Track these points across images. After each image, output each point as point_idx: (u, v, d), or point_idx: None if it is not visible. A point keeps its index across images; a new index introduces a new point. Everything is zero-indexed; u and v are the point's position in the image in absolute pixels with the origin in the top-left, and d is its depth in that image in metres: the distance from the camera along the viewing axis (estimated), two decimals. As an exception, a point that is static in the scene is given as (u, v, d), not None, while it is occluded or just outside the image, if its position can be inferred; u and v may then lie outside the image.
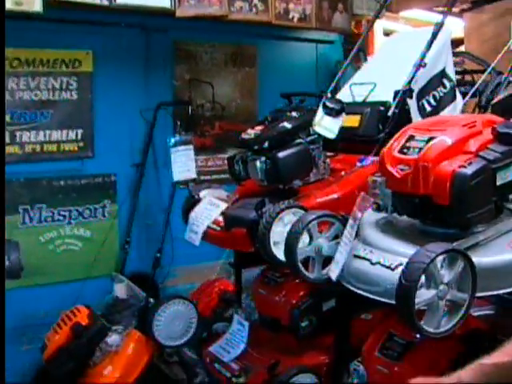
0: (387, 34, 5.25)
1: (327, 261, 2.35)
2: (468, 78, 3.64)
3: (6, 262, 3.95)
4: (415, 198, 2.05)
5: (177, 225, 4.11)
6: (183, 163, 4.02)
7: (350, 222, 2.21)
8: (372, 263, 2.06)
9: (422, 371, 2.13)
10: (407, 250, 2.02)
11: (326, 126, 2.85)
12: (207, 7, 3.89)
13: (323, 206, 2.62)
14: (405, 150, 2.10)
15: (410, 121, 3.08)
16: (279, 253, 2.50)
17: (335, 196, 2.74)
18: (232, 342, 3.02)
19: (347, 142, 3.03)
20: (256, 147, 2.79)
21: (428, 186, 1.99)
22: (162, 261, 4.18)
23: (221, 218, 2.79)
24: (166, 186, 4.51)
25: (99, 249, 4.33)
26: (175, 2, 3.77)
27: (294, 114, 2.89)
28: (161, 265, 4.10)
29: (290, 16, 4.29)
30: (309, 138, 2.84)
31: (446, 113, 3.27)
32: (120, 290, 4.16)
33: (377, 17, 3.83)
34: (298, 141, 2.82)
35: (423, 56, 3.06)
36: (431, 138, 2.06)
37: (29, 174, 4.09)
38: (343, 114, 2.91)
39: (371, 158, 2.94)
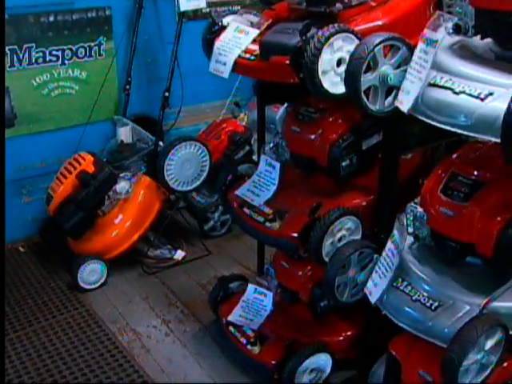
0: None
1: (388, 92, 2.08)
2: None
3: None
4: (510, 16, 1.74)
5: (184, 61, 3.79)
6: (191, -10, 3.59)
7: (422, 45, 1.92)
8: (455, 92, 1.79)
9: (491, 213, 1.97)
10: (497, 78, 1.76)
11: None
12: None
13: (366, 32, 2.30)
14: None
15: None
16: (327, 83, 2.22)
17: (380, 23, 2.41)
18: (261, 185, 2.79)
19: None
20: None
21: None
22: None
23: (253, 46, 2.45)
24: (167, 18, 4.13)
25: (97, 91, 3.99)
26: None
27: None
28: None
29: None
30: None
31: None
32: (124, 133, 3.88)
33: None
34: (341, -44, 2.43)
35: None
36: None
37: (13, 8, 3.62)
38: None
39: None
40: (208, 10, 4.10)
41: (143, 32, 4.05)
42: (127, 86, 4.02)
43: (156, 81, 4.13)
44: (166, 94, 3.73)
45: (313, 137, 2.60)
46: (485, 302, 1.94)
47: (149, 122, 4.02)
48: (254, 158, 3.75)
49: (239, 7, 4.42)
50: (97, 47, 4.04)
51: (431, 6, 2.54)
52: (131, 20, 4.03)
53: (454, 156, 2.22)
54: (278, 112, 3.47)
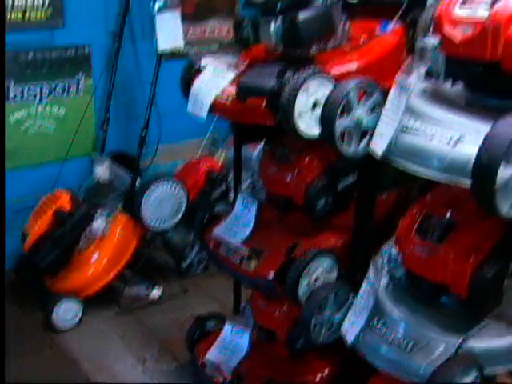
0: None
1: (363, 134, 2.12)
2: None
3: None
4: (478, 64, 1.79)
5: (161, 99, 3.82)
6: (169, 30, 3.64)
7: (396, 90, 1.96)
8: (427, 137, 1.83)
9: (465, 254, 2.00)
10: (468, 123, 1.80)
11: (348, -15, 2.53)
12: None
13: (341, 76, 2.36)
14: (465, 10, 1.83)
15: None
16: (303, 126, 2.25)
17: (354, 66, 2.46)
18: (237, 224, 2.80)
19: (364, 5, 2.72)
20: (271, 7, 2.46)
21: (497, 50, 1.73)
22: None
23: (231, 88, 2.49)
24: (146, 57, 4.17)
25: (75, 128, 4.00)
26: None
27: (310, -29, 2.54)
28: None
29: None
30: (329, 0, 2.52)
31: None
32: (102, 171, 3.88)
33: None
34: (318, 1, 2.49)
35: None
36: (497, -3, 1.78)
37: (-8, 46, 3.65)
38: (364, -28, 2.58)
39: (393, 24, 2.66)
40: (186, 49, 4.14)
41: (122, 70, 4.07)
42: (105, 124, 4.03)
43: (134, 118, 4.15)
44: (144, 132, 3.74)
45: (289, 177, 2.63)
46: (459, 341, 1.96)
47: (126, 160, 4.02)
48: (231, 195, 3.77)
49: (217, 46, 4.49)
50: (75, 84, 4.06)
51: (404, 50, 2.62)
52: (110, 58, 4.06)
53: (428, 197, 2.25)
54: (255, 150, 3.50)
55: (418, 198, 2.39)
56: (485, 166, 1.61)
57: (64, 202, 3.62)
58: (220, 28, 4.49)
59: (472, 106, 1.95)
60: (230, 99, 2.45)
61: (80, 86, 4.07)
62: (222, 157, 4.31)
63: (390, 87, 2.10)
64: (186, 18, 4.09)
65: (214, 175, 4.04)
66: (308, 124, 2.26)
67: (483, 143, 1.61)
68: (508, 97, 1.88)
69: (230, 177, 3.99)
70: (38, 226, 3.58)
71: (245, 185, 2.97)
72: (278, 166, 2.69)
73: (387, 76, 2.40)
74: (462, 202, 2.14)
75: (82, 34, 3.97)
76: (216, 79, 2.55)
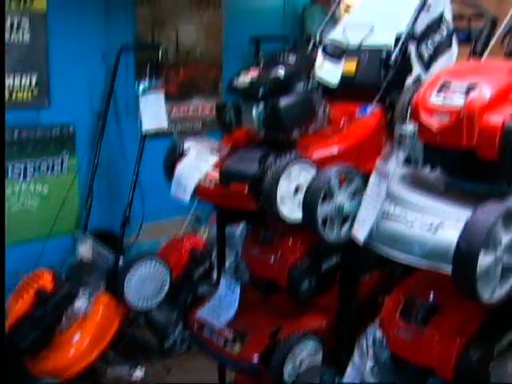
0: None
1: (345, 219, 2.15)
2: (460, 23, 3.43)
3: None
4: (455, 151, 1.84)
5: (145, 176, 3.86)
6: (153, 111, 3.71)
7: (376, 177, 2.00)
8: (408, 224, 1.85)
9: (449, 337, 2.00)
10: (447, 209, 1.83)
11: (328, 71, 2.61)
12: None
13: (323, 160, 2.41)
14: (441, 98, 1.89)
15: (410, 67, 2.89)
16: (285, 210, 2.28)
17: (335, 150, 2.51)
18: (221, 306, 2.79)
19: (343, 89, 2.80)
20: (252, 94, 2.52)
21: (473, 138, 1.78)
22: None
23: (214, 172, 2.52)
24: (129, 137, 4.22)
25: (59, 206, 4.00)
26: None
27: (291, 58, 2.62)
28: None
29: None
30: (309, 85, 2.59)
31: (443, 60, 3.08)
32: (85, 249, 3.87)
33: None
34: (299, 87, 2.56)
35: None
36: (472, 86, 1.85)
37: (-23, 124, 3.69)
38: (343, 59, 2.67)
39: (372, 107, 2.74)
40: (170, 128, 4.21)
41: (106, 148, 4.11)
42: (88, 202, 4.03)
43: (117, 196, 4.17)
44: (127, 210, 3.76)
45: (272, 259, 2.64)
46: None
47: (109, 237, 4.01)
48: (215, 273, 3.75)
49: (200, 124, 4.57)
50: (60, 163, 4.09)
51: (384, 132, 2.68)
52: (95, 136, 4.11)
53: (411, 279, 2.26)
54: (238, 228, 3.52)
55: (401, 278, 2.41)
56: (465, 254, 1.63)
57: (46, 281, 3.58)
58: (203, 106, 4.58)
59: (450, 190, 2.00)
60: (213, 183, 2.48)
61: (64, 165, 4.09)
62: (205, 234, 4.32)
63: (370, 170, 2.14)
64: (169, 98, 4.17)
65: (197, 253, 4.04)
66: (290, 208, 2.29)
67: (463, 231, 1.64)
68: (484, 181, 1.93)
69: (214, 254, 3.99)
70: (19, 306, 3.52)
71: (228, 265, 2.97)
72: (261, 248, 2.71)
73: (368, 158, 2.46)
74: (444, 285, 2.15)
75: (67, 113, 4.03)
76: (199, 163, 2.58)
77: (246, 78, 2.54)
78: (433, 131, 1.87)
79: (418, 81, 2.89)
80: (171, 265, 3.80)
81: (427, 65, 2.97)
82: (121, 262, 3.71)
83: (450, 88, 1.91)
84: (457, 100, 1.85)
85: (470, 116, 1.79)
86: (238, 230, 3.56)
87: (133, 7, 4.20)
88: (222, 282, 2.86)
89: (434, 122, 1.87)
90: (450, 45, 3.11)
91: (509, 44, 2.63)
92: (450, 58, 3.14)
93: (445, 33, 3.06)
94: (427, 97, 1.93)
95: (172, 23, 4.28)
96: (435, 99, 1.91)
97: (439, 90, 1.93)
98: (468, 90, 1.85)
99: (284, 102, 2.44)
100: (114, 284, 3.59)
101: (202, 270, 4.06)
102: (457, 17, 3.23)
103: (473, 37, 3.27)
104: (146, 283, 3.62)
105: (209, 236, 4.31)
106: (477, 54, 3.16)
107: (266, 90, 2.49)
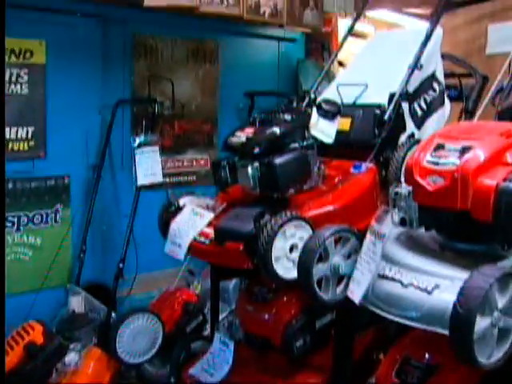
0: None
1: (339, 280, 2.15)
2: (452, 81, 3.49)
3: None
4: (450, 213, 1.86)
5: (138, 228, 3.85)
6: (148, 166, 3.73)
7: (371, 237, 2.01)
8: (403, 285, 1.86)
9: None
10: (442, 270, 1.85)
11: (323, 129, 2.65)
12: (178, -3, 3.61)
13: (318, 218, 2.42)
14: (435, 160, 1.91)
15: (404, 125, 2.94)
16: (280, 269, 2.28)
17: (330, 208, 2.53)
18: (215, 363, 2.77)
19: (338, 146, 2.83)
20: (248, 152, 2.55)
21: (467, 200, 1.81)
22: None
23: (209, 230, 2.52)
24: (124, 190, 4.24)
25: (51, 258, 3.98)
26: (144, -11, 3.47)
27: (286, 116, 2.66)
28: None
29: (262, 11, 4.07)
30: (305, 143, 2.62)
31: (435, 117, 3.13)
32: (77, 302, 3.82)
33: (359, 16, 3.66)
34: (294, 145, 2.59)
35: (418, 58, 2.91)
36: (466, 148, 1.88)
37: (-29, 176, 3.69)
38: (339, 117, 2.71)
39: (366, 165, 2.76)
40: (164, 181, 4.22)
41: (100, 200, 4.11)
42: (81, 254, 4.00)
43: (110, 249, 4.15)
44: (121, 265, 3.73)
45: (266, 317, 2.63)
46: None
47: (102, 290, 3.98)
48: (208, 327, 3.72)
49: (194, 177, 4.59)
50: (53, 214, 4.08)
51: (378, 190, 2.70)
52: (89, 189, 4.10)
53: (407, 338, 2.25)
54: (231, 282, 3.51)
55: (395, 335, 2.39)
56: (461, 318, 1.63)
57: (36, 335, 3.52)
58: (197, 160, 4.61)
59: (445, 251, 2.01)
60: (207, 242, 2.48)
61: (58, 217, 4.08)
62: (198, 288, 4.29)
63: (365, 228, 2.15)
64: (164, 151, 4.19)
65: (190, 306, 3.99)
66: (286, 267, 2.29)
67: (459, 295, 1.64)
68: (479, 242, 1.94)
69: (207, 308, 3.95)
70: (9, 360, 3.45)
71: (222, 320, 2.94)
72: (255, 306, 2.70)
73: (362, 216, 2.48)
74: (440, 345, 2.14)
75: (63, 165, 4.03)
76: (194, 220, 2.59)
77: (241, 136, 2.57)
78: (427, 193, 1.89)
79: (411, 138, 2.94)
80: (164, 318, 3.75)
81: (420, 122, 3.02)
82: (113, 316, 3.67)
83: (443, 150, 1.94)
84: (451, 162, 1.88)
85: (464, 178, 1.82)
86: (231, 284, 3.54)
87: (130, 62, 4.25)
88: (216, 338, 2.83)
89: (428, 184, 1.89)
90: (442, 102, 3.17)
91: (500, 104, 2.68)
92: (443, 115, 3.20)
93: (437, 91, 3.12)
94: (421, 158, 1.96)
95: (168, 78, 4.32)
96: (430, 161, 1.94)
97: (433, 152, 1.96)
98: (462, 153, 1.88)
99: (279, 160, 2.46)
100: (106, 338, 3.54)
101: (195, 324, 4.00)
102: (448, 74, 3.30)
103: (464, 94, 3.33)
104: (138, 338, 3.57)
105: (201, 289, 4.27)
106: (469, 112, 3.22)
107: (261, 149, 2.51)
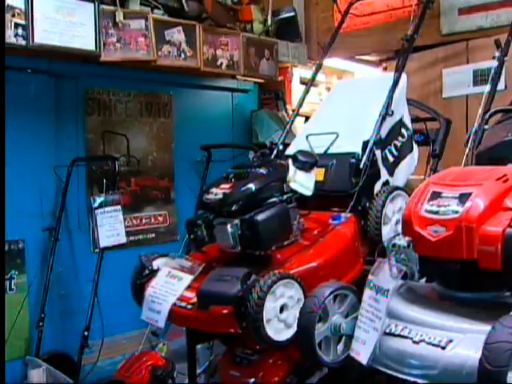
0: (304, 82, 5.07)
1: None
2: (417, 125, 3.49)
3: None
4: (455, 262, 1.79)
5: (100, 294, 3.65)
6: (111, 226, 3.55)
7: (371, 293, 1.92)
8: (414, 341, 1.76)
9: None
10: (452, 323, 1.76)
11: (301, 181, 2.56)
12: (134, 52, 3.52)
13: (303, 275, 2.32)
14: (434, 209, 1.85)
15: (378, 173, 2.90)
16: (272, 331, 2.15)
17: (314, 264, 2.44)
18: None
19: (312, 197, 2.75)
20: (225, 209, 2.44)
21: (472, 249, 1.74)
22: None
23: (189, 294, 2.38)
24: (82, 253, 4.04)
25: (8, 329, 3.71)
26: (100, 45, 3.36)
27: (262, 170, 2.56)
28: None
29: (219, 62, 4.02)
30: (284, 197, 2.53)
31: (405, 162, 3.11)
32: (37, 376, 3.58)
33: (320, 66, 3.66)
34: (272, 200, 2.49)
35: (388, 104, 2.90)
36: (465, 195, 1.82)
37: None
38: (315, 168, 2.64)
39: (345, 215, 2.70)
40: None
41: (57, 264, 3.90)
42: (40, 323, 3.77)
43: (70, 314, 3.93)
44: (86, 333, 3.52)
45: (253, 382, 2.48)
46: None
47: (64, 360, 3.75)
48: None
49: (154, 234, 4.43)
50: (7, 281, 3.84)
51: (359, 239, 2.63)
52: (45, 252, 3.90)
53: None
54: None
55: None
56: (492, 375, 1.54)
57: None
58: (155, 217, 4.46)
59: (449, 301, 1.93)
60: (189, 306, 2.33)
61: (13, 283, 3.84)
62: (163, 350, 4.09)
63: (351, 279, 2.07)
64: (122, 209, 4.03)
65: (158, 371, 3.78)
66: (277, 329, 2.17)
67: (485, 350, 1.55)
68: (486, 291, 1.88)
69: (176, 371, 3.76)
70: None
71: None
72: (240, 370, 2.55)
73: (347, 268, 2.40)
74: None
75: (16, 229, 3.80)
76: (172, 284, 2.45)
77: (217, 193, 2.46)
78: (430, 244, 1.82)
79: (385, 185, 2.90)
80: (132, 386, 3.54)
81: (392, 169, 2.99)
82: (79, 391, 3.45)
83: (441, 198, 1.88)
84: (451, 210, 1.82)
85: (468, 227, 1.75)
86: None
87: (83, 118, 4.10)
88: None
89: (430, 235, 1.82)
90: (411, 148, 3.16)
91: (476, 147, 2.66)
92: (413, 160, 3.18)
93: (405, 136, 3.11)
94: (419, 208, 1.89)
95: (123, 133, 4.19)
96: (428, 210, 1.87)
97: (430, 201, 1.90)
98: (461, 200, 1.82)
99: (261, 217, 2.37)
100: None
101: (165, 390, 3.80)
102: (413, 119, 3.30)
103: (430, 139, 3.33)
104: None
105: (168, 351, 4.08)
106: (436, 155, 3.21)
107: (239, 206, 2.41)
